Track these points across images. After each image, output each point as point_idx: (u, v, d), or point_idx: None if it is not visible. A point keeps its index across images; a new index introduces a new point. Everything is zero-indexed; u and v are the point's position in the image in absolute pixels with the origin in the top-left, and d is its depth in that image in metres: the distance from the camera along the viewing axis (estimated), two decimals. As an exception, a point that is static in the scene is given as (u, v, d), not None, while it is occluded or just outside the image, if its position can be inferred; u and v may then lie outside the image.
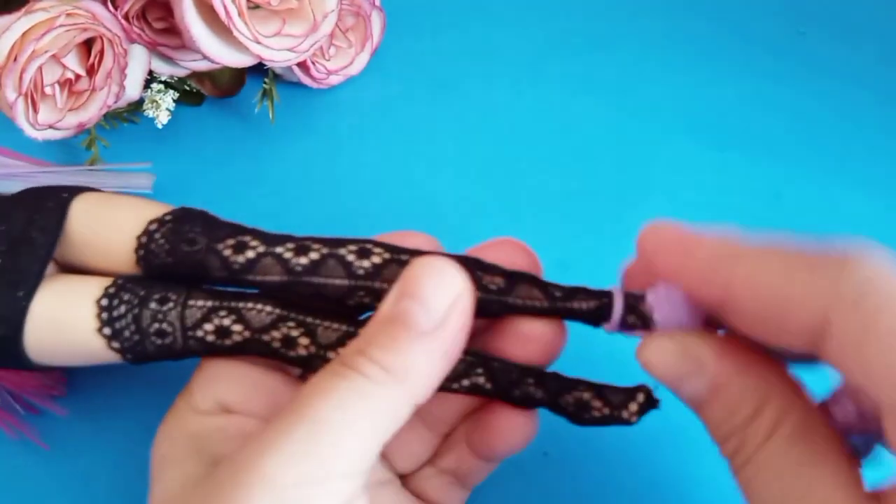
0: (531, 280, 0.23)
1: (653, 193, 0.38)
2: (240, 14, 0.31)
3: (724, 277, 0.20)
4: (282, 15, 0.33)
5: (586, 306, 0.23)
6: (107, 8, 0.32)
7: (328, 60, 0.39)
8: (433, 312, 0.20)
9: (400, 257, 0.23)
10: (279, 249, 0.24)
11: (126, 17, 0.33)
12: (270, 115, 0.38)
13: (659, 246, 0.21)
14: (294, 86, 0.39)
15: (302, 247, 0.24)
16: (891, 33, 0.44)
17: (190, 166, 0.37)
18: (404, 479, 0.26)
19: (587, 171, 0.38)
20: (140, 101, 0.36)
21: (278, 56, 0.33)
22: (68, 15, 0.30)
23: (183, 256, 0.24)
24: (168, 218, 0.25)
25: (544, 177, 0.38)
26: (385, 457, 0.25)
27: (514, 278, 0.23)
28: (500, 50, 0.42)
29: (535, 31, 0.43)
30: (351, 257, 0.23)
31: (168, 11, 0.33)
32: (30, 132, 0.31)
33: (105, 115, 0.34)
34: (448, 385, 0.23)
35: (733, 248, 0.20)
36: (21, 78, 0.29)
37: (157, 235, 0.24)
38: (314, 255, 0.23)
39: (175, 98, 0.36)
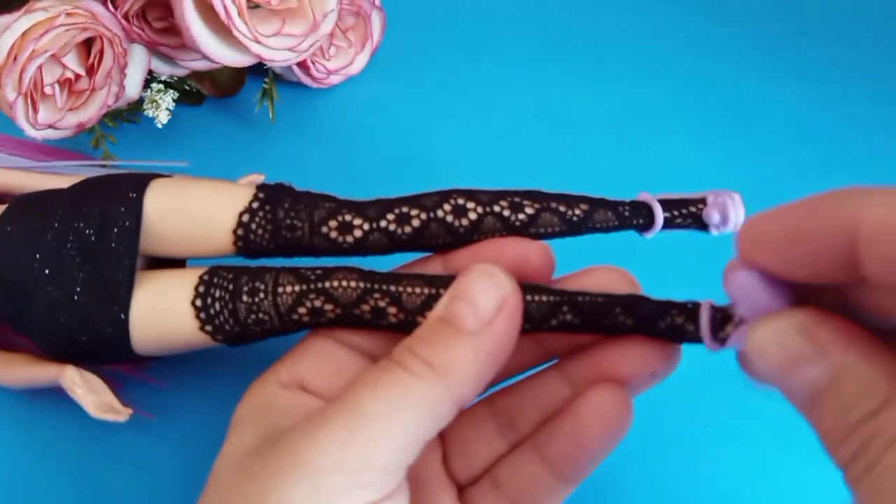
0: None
1: (652, 193, 0.37)
2: (240, 14, 0.31)
3: (845, 232, 0.16)
4: (282, 14, 0.33)
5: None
6: (106, 7, 0.32)
7: (328, 60, 0.39)
8: (480, 313, 0.21)
9: (493, 209, 0.25)
10: (383, 224, 0.25)
11: (126, 17, 0.33)
12: (270, 115, 0.38)
13: (762, 233, 0.18)
14: (294, 85, 0.39)
15: (402, 215, 0.25)
16: (891, 33, 0.44)
17: (190, 166, 0.37)
18: (461, 492, 0.25)
19: (587, 170, 0.38)
20: (140, 101, 0.36)
21: (278, 56, 0.33)
22: (68, 14, 0.30)
23: (285, 242, 0.25)
24: (255, 205, 0.25)
25: (544, 176, 0.37)
26: (445, 462, 0.25)
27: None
28: (499, 50, 0.42)
29: (534, 32, 0.43)
30: (450, 218, 0.25)
31: (168, 11, 0.33)
32: (29, 132, 0.31)
33: (105, 115, 0.34)
34: (538, 326, 0.23)
35: (848, 197, 0.16)
36: (21, 77, 0.29)
37: (254, 226, 0.25)
38: (416, 223, 0.25)
39: (175, 98, 0.36)
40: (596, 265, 0.25)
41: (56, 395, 0.29)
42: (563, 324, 0.23)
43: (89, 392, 0.25)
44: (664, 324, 0.22)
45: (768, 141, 0.40)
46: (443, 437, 0.25)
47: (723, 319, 0.21)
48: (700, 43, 0.43)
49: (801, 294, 0.19)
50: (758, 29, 0.44)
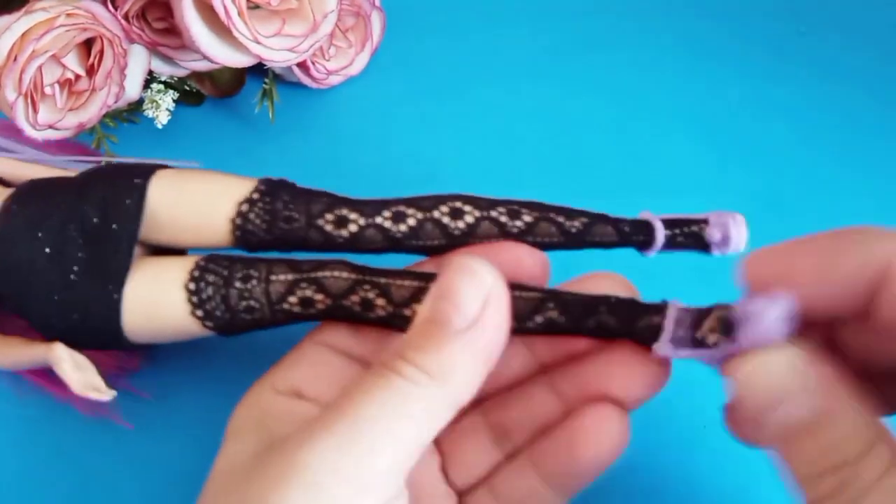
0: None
1: (652, 194, 0.37)
2: (240, 14, 0.31)
3: (872, 275, 0.17)
4: (282, 15, 0.33)
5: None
6: (107, 8, 0.32)
7: (328, 60, 0.39)
8: (466, 311, 0.20)
9: (490, 214, 0.25)
10: (378, 220, 0.25)
11: (126, 17, 0.33)
12: (270, 115, 0.38)
13: (785, 265, 0.19)
14: (294, 86, 0.39)
15: (398, 214, 0.25)
16: (891, 33, 0.44)
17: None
18: (460, 500, 0.25)
19: (587, 171, 0.38)
20: (140, 101, 0.36)
21: (278, 56, 0.33)
22: (68, 15, 0.30)
23: (281, 234, 0.25)
24: (255, 196, 0.26)
25: (544, 177, 0.38)
26: (444, 470, 0.25)
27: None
28: (499, 50, 0.42)
29: (534, 32, 0.43)
30: (446, 219, 0.25)
31: (168, 11, 0.33)
32: (30, 132, 0.31)
33: (105, 115, 0.34)
34: (522, 325, 0.23)
35: (877, 238, 0.17)
36: (21, 78, 0.29)
37: (252, 216, 0.25)
38: (411, 222, 0.25)
39: (175, 98, 0.36)
40: (595, 271, 0.25)
41: (42, 397, 0.29)
42: (550, 322, 0.23)
43: (75, 369, 0.25)
44: (643, 324, 0.22)
45: (768, 141, 0.40)
46: (440, 447, 0.25)
47: (697, 321, 0.21)
48: (700, 43, 0.43)
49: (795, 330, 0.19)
50: (758, 29, 0.44)
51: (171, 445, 0.30)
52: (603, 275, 0.25)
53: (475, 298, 0.21)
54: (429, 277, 0.24)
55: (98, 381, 0.25)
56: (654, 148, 0.39)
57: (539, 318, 0.23)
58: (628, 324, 0.22)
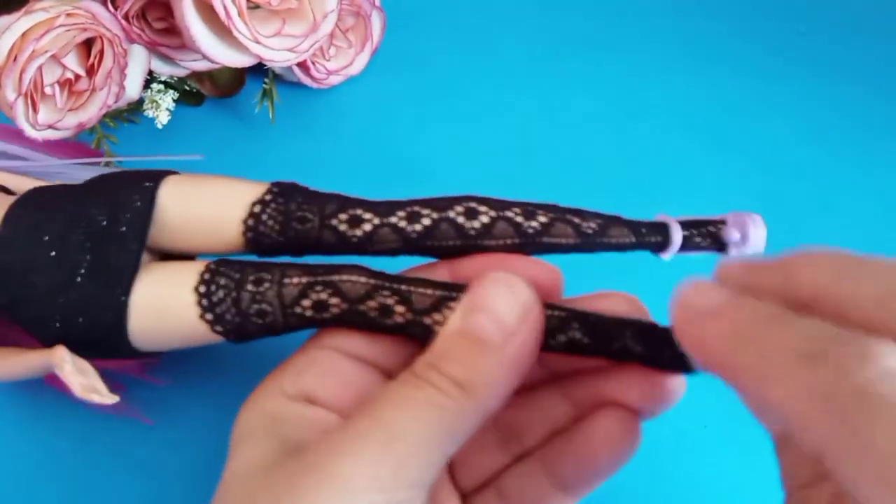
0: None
1: (652, 194, 0.38)
2: (240, 14, 0.31)
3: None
4: (282, 15, 0.33)
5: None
6: (106, 8, 0.32)
7: (328, 60, 0.39)
8: (504, 326, 0.20)
9: (505, 214, 0.24)
10: (393, 220, 0.25)
11: (126, 17, 0.33)
12: (270, 115, 0.38)
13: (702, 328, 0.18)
14: (294, 86, 0.39)
15: (413, 214, 0.25)
16: (891, 33, 0.44)
17: (190, 166, 0.37)
18: (465, 501, 0.25)
19: (587, 171, 0.38)
20: (140, 101, 0.36)
21: (278, 56, 0.33)
22: (68, 15, 0.30)
23: (295, 234, 0.25)
24: (268, 198, 0.25)
25: (544, 177, 0.38)
26: (450, 471, 0.25)
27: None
28: (499, 50, 0.42)
29: (534, 32, 0.43)
30: (461, 219, 0.24)
31: (168, 11, 0.33)
32: (30, 132, 0.31)
33: (105, 115, 0.34)
34: (546, 343, 0.23)
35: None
36: (21, 78, 0.29)
37: (265, 217, 0.25)
38: (426, 221, 0.24)
39: (175, 98, 0.36)
40: (606, 290, 0.24)
41: (55, 394, 0.29)
42: (572, 342, 0.23)
43: (77, 372, 0.25)
44: (670, 353, 0.22)
45: (768, 141, 0.40)
46: None
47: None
48: (700, 43, 0.43)
49: None
50: (758, 29, 0.44)
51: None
52: (614, 294, 0.24)
53: (512, 312, 0.21)
54: (452, 287, 0.23)
55: (100, 384, 0.25)
56: (654, 148, 0.39)
57: (562, 338, 0.23)
58: (654, 352, 0.22)
